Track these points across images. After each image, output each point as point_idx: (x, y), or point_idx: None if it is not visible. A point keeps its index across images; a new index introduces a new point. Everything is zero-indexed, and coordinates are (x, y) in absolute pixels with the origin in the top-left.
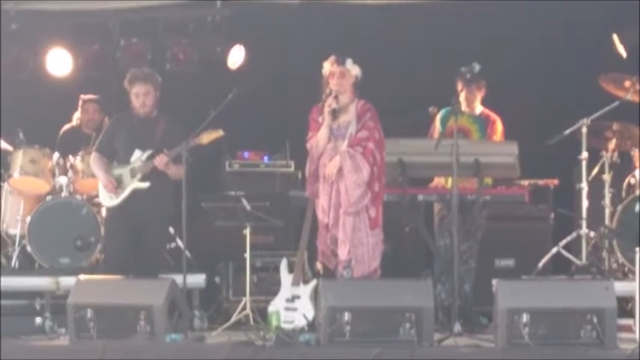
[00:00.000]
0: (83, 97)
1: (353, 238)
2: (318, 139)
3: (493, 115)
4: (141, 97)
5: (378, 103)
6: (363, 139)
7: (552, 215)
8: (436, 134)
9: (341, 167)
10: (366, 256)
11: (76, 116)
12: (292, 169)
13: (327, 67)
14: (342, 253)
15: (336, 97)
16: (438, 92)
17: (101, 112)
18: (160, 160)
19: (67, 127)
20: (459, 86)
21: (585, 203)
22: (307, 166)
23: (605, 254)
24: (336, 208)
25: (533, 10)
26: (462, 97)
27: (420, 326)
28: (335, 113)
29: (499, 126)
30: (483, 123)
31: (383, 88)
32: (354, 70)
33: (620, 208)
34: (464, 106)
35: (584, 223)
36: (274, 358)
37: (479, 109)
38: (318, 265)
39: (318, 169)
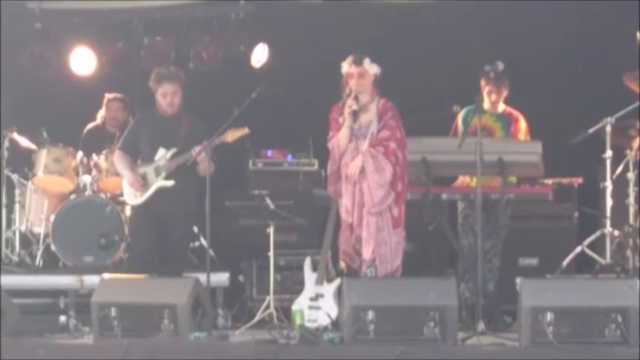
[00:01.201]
0: (108, 95)
1: (377, 237)
2: (340, 140)
3: (516, 113)
4: (169, 96)
5: (400, 102)
6: (384, 139)
7: (576, 214)
8: (458, 133)
9: (363, 167)
10: (389, 255)
11: (100, 115)
12: (316, 167)
13: (346, 67)
14: (367, 252)
15: (356, 98)
16: (461, 91)
17: (125, 111)
18: (196, 150)
19: (90, 125)
20: (482, 85)
21: (609, 202)
22: (329, 165)
23: (629, 253)
24: (360, 208)
25: (557, 8)
26: (485, 95)
27: (444, 325)
28: (356, 114)
29: (522, 124)
30: (506, 121)
31: (406, 86)
32: (372, 69)
33: None
34: (486, 105)
35: (608, 222)
36: (298, 356)
37: (501, 107)
38: (342, 264)
39: (340, 169)
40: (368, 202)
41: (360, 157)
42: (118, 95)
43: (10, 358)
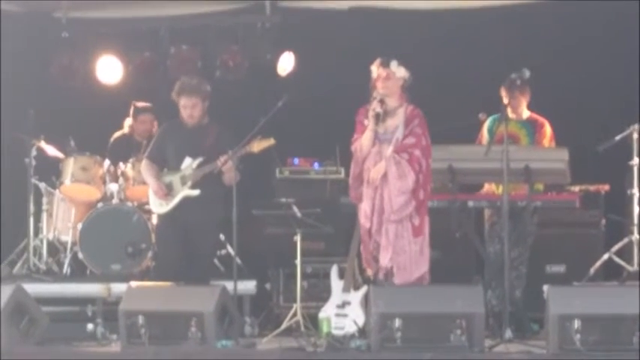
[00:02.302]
0: (136, 104)
1: (395, 245)
2: (362, 143)
3: (541, 119)
4: (188, 109)
5: (426, 109)
6: (409, 146)
7: (603, 221)
8: (484, 143)
9: (386, 172)
10: (408, 264)
11: (127, 123)
12: (342, 175)
13: (374, 70)
14: (384, 259)
15: (381, 101)
16: (487, 98)
17: (155, 121)
18: (222, 159)
19: (117, 134)
20: (505, 93)
21: (637, 209)
22: (351, 168)
23: None
24: (380, 214)
25: (584, 13)
26: (508, 105)
27: (471, 332)
28: (379, 117)
29: (548, 129)
30: (531, 127)
31: (432, 93)
32: (399, 72)
33: None
34: (510, 113)
35: (635, 229)
36: None
37: (526, 113)
38: (369, 271)
39: (362, 173)
40: (387, 208)
41: (384, 162)
42: (147, 106)
43: None
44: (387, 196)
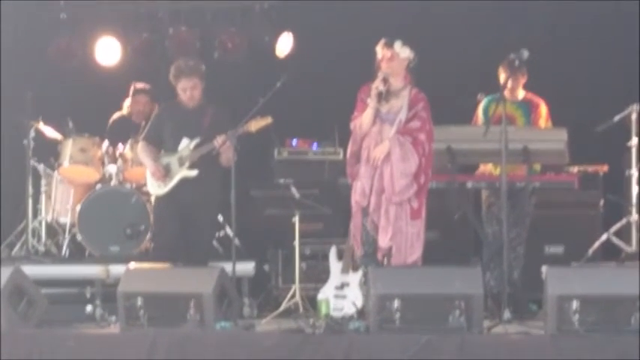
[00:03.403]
0: (135, 84)
1: (394, 226)
2: (363, 121)
3: (536, 99)
4: (188, 90)
5: (425, 90)
6: (414, 130)
7: (602, 202)
8: (479, 123)
9: (388, 153)
10: (403, 247)
11: (126, 104)
12: (341, 156)
13: (379, 51)
14: (383, 240)
15: (384, 80)
16: (485, 79)
17: (152, 103)
18: (219, 140)
19: (116, 115)
20: (504, 73)
21: (635, 189)
22: (349, 146)
23: None
24: (378, 193)
25: None
26: (507, 86)
27: (470, 313)
28: (381, 96)
29: (543, 109)
30: (527, 108)
31: (431, 74)
32: (403, 52)
33: None
34: (506, 93)
35: (634, 210)
36: (324, 345)
37: (521, 94)
38: (357, 252)
39: (360, 151)
40: (388, 189)
41: (387, 142)
42: (145, 87)
43: (40, 348)
44: (387, 176)
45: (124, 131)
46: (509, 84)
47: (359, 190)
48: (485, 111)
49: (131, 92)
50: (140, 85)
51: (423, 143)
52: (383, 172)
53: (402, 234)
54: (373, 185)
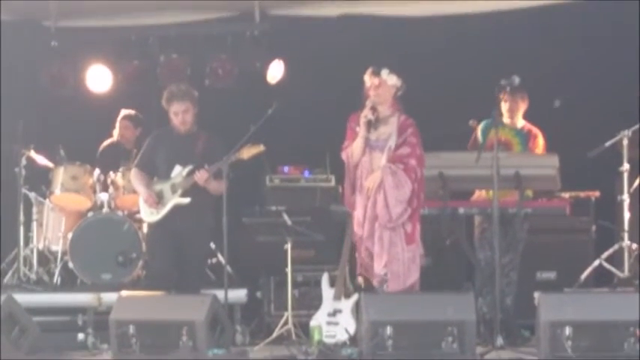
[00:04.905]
0: (122, 111)
1: (390, 252)
2: (353, 150)
3: (535, 130)
4: (180, 114)
5: (416, 116)
6: (405, 156)
7: (594, 227)
8: (477, 146)
9: (381, 181)
10: (401, 272)
11: (116, 131)
12: (333, 183)
13: (367, 79)
14: (378, 266)
15: (373, 108)
16: (477, 105)
17: (134, 128)
18: (201, 176)
19: (106, 142)
20: (502, 98)
21: (627, 215)
22: (346, 177)
23: None
24: (371, 221)
25: (572, 21)
26: (505, 108)
27: (463, 340)
28: (370, 124)
29: (541, 140)
30: (525, 137)
31: (421, 100)
32: (390, 79)
33: None
34: (506, 119)
35: (625, 235)
36: None
37: (521, 122)
38: (360, 279)
39: (354, 180)
40: (383, 216)
41: (379, 172)
42: (128, 113)
43: None
44: (381, 204)
45: (114, 158)
46: (511, 107)
47: (356, 220)
48: (484, 133)
49: (118, 119)
50: (125, 112)
51: (415, 168)
52: (376, 200)
53: (398, 260)
54: (367, 213)
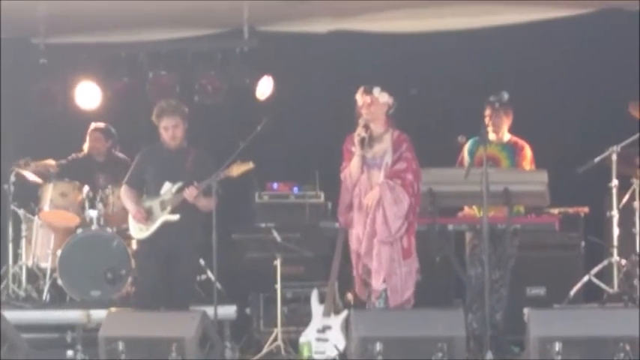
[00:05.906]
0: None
1: (388, 267)
2: (351, 169)
3: (521, 142)
4: (170, 129)
5: (404, 131)
6: (401, 171)
7: (583, 243)
8: (464, 165)
9: (380, 198)
10: (399, 286)
11: (87, 145)
12: (322, 199)
13: (359, 98)
14: (376, 282)
15: (365, 126)
16: (466, 121)
17: (105, 141)
18: (190, 193)
19: (75, 154)
20: (487, 115)
21: (616, 231)
22: (341, 195)
23: (636, 282)
24: (370, 237)
25: (561, 38)
26: (490, 125)
27: (452, 356)
28: (364, 142)
29: (528, 152)
30: (512, 150)
31: (410, 116)
32: (382, 97)
33: None
34: (491, 135)
35: (615, 251)
36: None
37: (506, 136)
38: (349, 296)
39: (352, 199)
40: (382, 232)
41: (377, 189)
42: (98, 125)
43: None
44: (380, 220)
45: (83, 170)
46: (495, 122)
47: (354, 238)
48: (471, 152)
49: (89, 131)
50: (95, 124)
51: (412, 183)
52: (375, 217)
53: (396, 276)
54: (365, 230)
